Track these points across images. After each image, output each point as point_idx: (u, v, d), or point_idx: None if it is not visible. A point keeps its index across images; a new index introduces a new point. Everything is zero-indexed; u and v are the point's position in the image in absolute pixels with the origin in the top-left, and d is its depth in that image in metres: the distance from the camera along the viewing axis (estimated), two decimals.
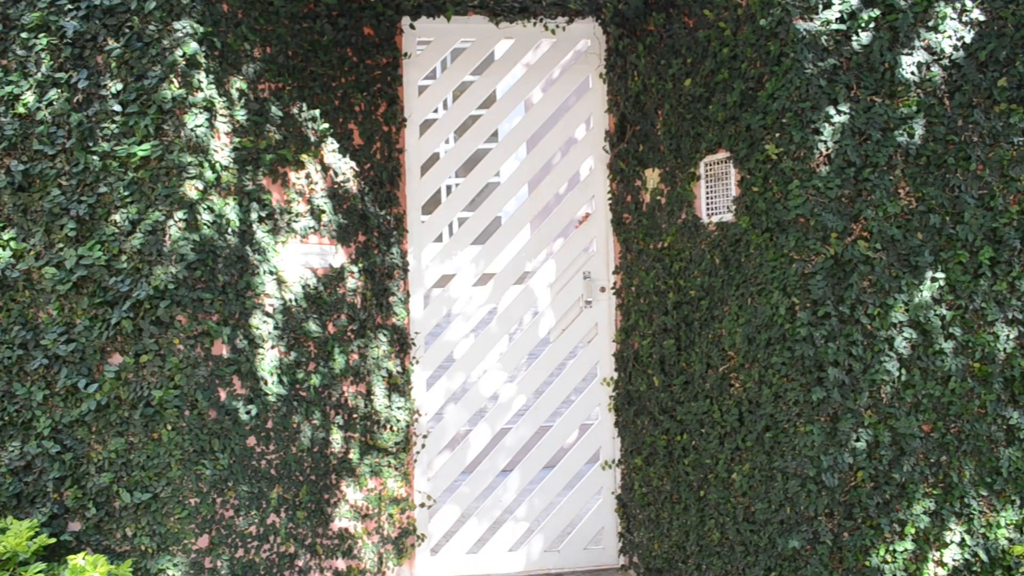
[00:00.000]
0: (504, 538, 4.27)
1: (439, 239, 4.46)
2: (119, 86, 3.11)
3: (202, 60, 3.13)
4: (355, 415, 3.75)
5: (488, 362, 4.31)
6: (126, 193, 3.08)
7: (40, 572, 2.84)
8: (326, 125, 3.69)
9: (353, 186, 3.80)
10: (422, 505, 4.08)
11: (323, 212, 3.65)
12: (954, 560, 2.99)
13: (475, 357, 4.28)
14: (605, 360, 4.25)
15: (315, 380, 3.55)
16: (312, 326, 3.55)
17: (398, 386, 3.95)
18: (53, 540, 2.99)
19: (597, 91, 4.33)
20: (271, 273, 3.40)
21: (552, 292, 4.41)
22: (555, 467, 4.35)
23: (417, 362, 4.09)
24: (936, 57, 3.04)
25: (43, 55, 3.19)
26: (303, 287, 3.54)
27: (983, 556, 3.01)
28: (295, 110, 3.56)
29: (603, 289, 4.26)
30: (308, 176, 3.61)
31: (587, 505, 4.30)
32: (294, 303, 3.50)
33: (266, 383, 3.35)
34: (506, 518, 4.30)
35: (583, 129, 6.93)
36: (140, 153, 3.05)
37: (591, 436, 4.28)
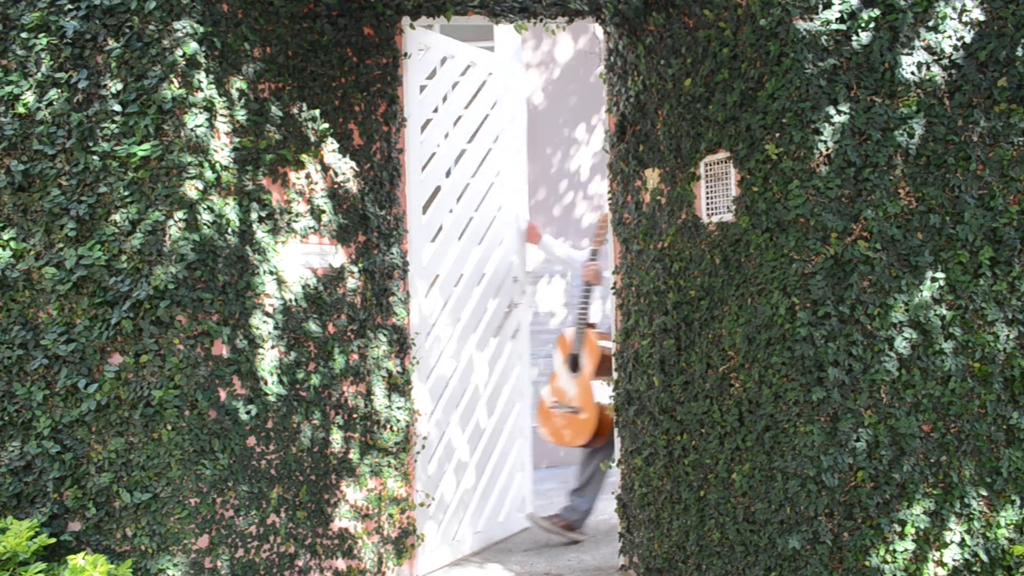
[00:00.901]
0: (470, 526, 4.56)
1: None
2: (119, 86, 3.11)
3: (202, 60, 3.13)
4: (355, 415, 3.75)
5: (464, 360, 4.50)
6: (126, 193, 3.08)
7: (40, 572, 2.84)
8: (326, 125, 3.69)
9: (353, 186, 3.80)
10: (421, 504, 4.09)
11: (323, 212, 3.65)
12: (954, 560, 2.99)
13: (454, 354, 4.43)
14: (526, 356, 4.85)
15: (315, 380, 3.55)
16: (312, 326, 3.55)
17: (398, 386, 3.95)
18: (53, 540, 3.00)
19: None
20: (271, 273, 3.40)
21: (491, 294, 4.66)
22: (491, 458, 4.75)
23: (417, 362, 4.10)
24: (936, 57, 3.04)
25: (43, 55, 3.19)
26: (303, 287, 3.55)
27: (983, 556, 3.01)
28: (295, 110, 3.56)
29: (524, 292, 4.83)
30: (308, 176, 3.61)
31: (511, 482, 4.88)
32: (294, 303, 3.50)
33: (266, 383, 3.35)
34: (468, 503, 4.55)
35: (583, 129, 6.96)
36: (140, 153, 3.06)
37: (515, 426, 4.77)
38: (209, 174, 3.14)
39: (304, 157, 3.59)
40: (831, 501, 2.93)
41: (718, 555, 3.39)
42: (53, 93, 3.17)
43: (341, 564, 3.70)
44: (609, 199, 4.25)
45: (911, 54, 3.02)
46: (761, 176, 3.13)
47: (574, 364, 4.51)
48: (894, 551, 2.94)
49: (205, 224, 3.12)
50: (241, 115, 3.29)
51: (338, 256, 3.72)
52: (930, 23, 3.03)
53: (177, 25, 3.07)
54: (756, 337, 3.15)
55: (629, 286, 4.02)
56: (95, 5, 3.13)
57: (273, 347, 3.40)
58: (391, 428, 3.90)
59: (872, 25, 2.99)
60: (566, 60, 6.82)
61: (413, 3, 3.87)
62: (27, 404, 3.19)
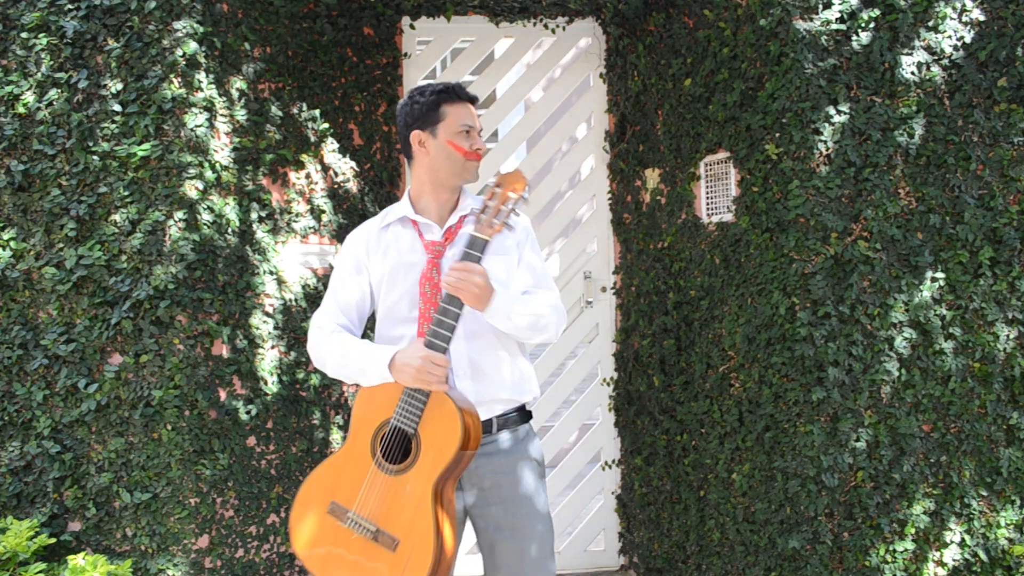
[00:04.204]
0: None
1: None
2: (119, 86, 3.11)
3: (202, 60, 3.13)
4: None
5: None
6: (126, 193, 3.08)
7: (40, 572, 2.84)
8: (326, 125, 3.69)
9: (353, 186, 3.80)
10: None
11: (323, 212, 3.65)
12: (954, 560, 2.99)
13: None
14: (606, 360, 4.24)
15: (315, 380, 3.55)
16: None
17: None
18: (53, 540, 2.99)
19: (598, 89, 4.33)
20: (271, 273, 3.40)
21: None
22: (555, 467, 4.35)
23: None
24: (936, 57, 3.05)
25: (43, 55, 3.19)
26: (303, 287, 3.55)
27: (983, 556, 3.01)
28: (295, 110, 3.56)
29: (604, 289, 4.26)
30: (308, 176, 3.61)
31: (587, 506, 4.32)
32: (294, 303, 3.50)
33: (266, 383, 3.35)
34: None
35: (583, 128, 6.90)
36: (140, 153, 3.06)
37: (592, 437, 4.28)
38: (209, 174, 3.14)
39: (304, 157, 3.59)
40: (831, 501, 2.93)
41: (718, 555, 3.39)
42: (53, 93, 3.16)
43: None
44: (609, 199, 4.25)
45: (911, 54, 3.02)
46: (761, 176, 3.13)
47: (403, 449, 2.23)
48: (894, 551, 2.94)
49: (205, 224, 3.12)
50: (241, 115, 3.29)
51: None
52: (930, 23, 3.03)
53: (177, 25, 3.07)
54: (756, 337, 3.15)
55: (629, 286, 4.02)
56: (95, 5, 3.13)
57: (273, 347, 3.40)
58: None
59: (872, 25, 2.99)
60: (566, 60, 6.81)
61: (413, 3, 3.87)
62: (27, 404, 3.19)
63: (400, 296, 2.34)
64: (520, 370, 2.38)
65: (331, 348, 2.34)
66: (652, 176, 3.84)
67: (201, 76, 3.13)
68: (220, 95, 3.21)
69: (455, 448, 2.17)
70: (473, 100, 2.39)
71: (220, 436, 3.15)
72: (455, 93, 2.36)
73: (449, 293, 2.19)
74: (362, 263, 2.39)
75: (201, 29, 3.11)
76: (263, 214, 3.39)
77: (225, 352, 3.21)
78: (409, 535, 2.16)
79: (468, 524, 2.39)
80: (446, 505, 2.21)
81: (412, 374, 2.16)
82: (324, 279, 3.64)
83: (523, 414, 2.39)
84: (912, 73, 3.01)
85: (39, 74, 3.19)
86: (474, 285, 2.18)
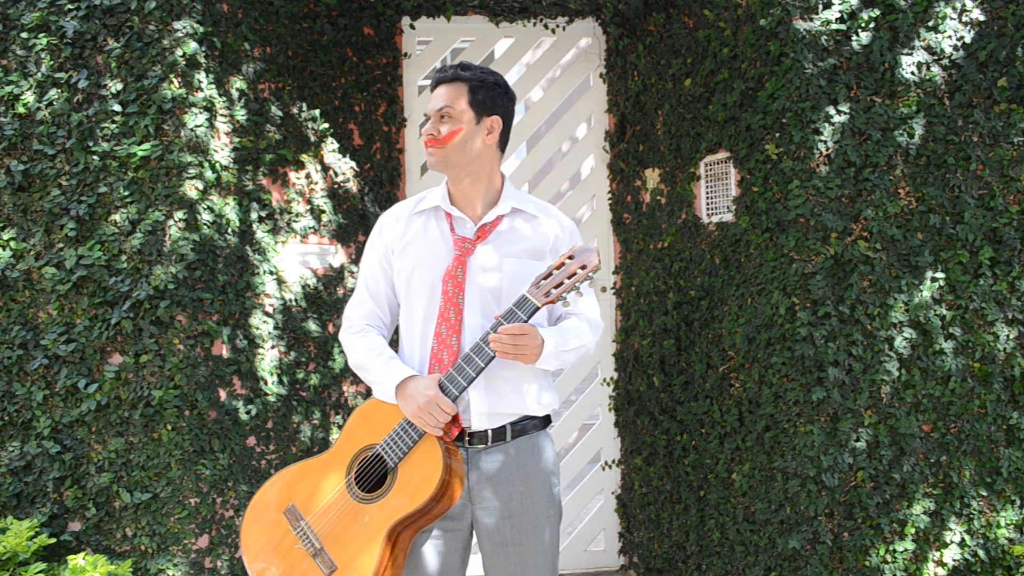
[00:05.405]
0: None
1: None
2: (119, 86, 3.11)
3: (202, 60, 3.13)
4: None
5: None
6: (126, 193, 3.08)
7: (40, 572, 2.84)
8: (326, 125, 3.69)
9: (353, 186, 3.80)
10: None
11: (323, 212, 3.65)
12: (954, 560, 2.99)
13: None
14: (606, 360, 4.24)
15: (315, 380, 3.55)
16: (312, 326, 3.55)
17: None
18: (53, 540, 2.99)
19: (598, 89, 4.33)
20: (271, 273, 3.40)
21: None
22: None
23: None
24: (936, 57, 3.05)
25: (43, 55, 3.19)
26: (303, 287, 3.55)
27: (983, 556, 3.01)
28: (295, 110, 3.56)
29: (604, 289, 4.26)
30: (308, 176, 3.61)
31: (588, 506, 4.33)
32: (294, 303, 3.50)
33: (266, 383, 3.35)
34: None
35: (583, 128, 6.92)
36: (140, 153, 3.06)
37: (592, 437, 4.28)
38: (209, 174, 3.14)
39: (304, 157, 3.59)
40: (831, 501, 2.93)
41: (718, 555, 3.39)
42: (53, 93, 3.16)
43: None
44: (609, 199, 4.25)
45: (911, 54, 3.02)
46: (761, 176, 3.13)
47: (377, 478, 2.18)
48: (894, 551, 2.94)
49: (205, 224, 3.12)
50: (241, 115, 3.29)
51: (338, 256, 3.72)
52: (930, 23, 3.03)
53: (177, 25, 3.07)
54: (756, 337, 3.15)
55: (629, 286, 4.02)
56: (95, 5, 3.13)
57: (273, 347, 3.40)
58: None
59: (872, 25, 2.99)
60: (566, 60, 6.81)
61: (413, 3, 3.87)
62: (27, 404, 3.19)
63: (419, 290, 2.22)
64: (541, 386, 2.26)
65: (354, 349, 2.30)
66: (652, 176, 3.84)
67: (201, 76, 3.13)
68: (220, 95, 3.21)
69: (425, 499, 2.08)
70: (451, 79, 2.20)
71: (220, 436, 3.15)
72: (433, 80, 2.25)
73: (481, 346, 2.08)
74: (389, 247, 2.28)
75: (201, 29, 3.11)
76: (263, 214, 3.39)
77: (225, 352, 3.21)
78: (347, 567, 2.11)
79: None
80: (397, 552, 2.12)
81: (413, 409, 2.09)
82: (324, 279, 3.65)
83: (540, 419, 2.27)
84: (912, 73, 3.01)
85: (39, 74, 3.19)
86: (530, 348, 2.10)
